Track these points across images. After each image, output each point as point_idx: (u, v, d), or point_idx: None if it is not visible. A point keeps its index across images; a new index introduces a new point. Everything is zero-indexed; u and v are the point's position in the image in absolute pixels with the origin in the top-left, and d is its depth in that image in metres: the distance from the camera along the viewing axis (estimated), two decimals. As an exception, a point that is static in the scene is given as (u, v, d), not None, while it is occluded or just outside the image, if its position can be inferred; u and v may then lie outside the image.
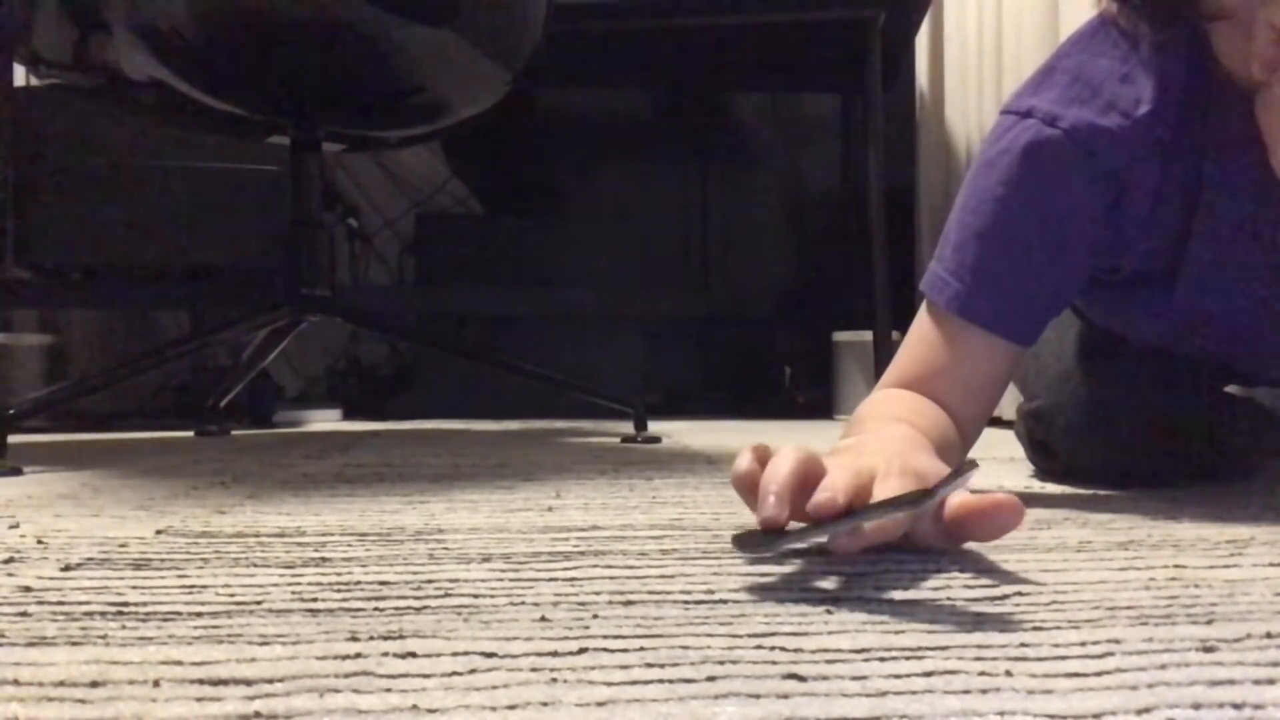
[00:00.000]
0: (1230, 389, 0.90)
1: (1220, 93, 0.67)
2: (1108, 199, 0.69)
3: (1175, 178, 0.69)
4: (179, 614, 0.40)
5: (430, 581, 0.46)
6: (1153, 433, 0.80)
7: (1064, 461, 0.85)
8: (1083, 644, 0.35)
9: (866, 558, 0.51)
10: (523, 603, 0.42)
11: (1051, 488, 0.83)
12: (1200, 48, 0.67)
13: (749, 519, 0.64)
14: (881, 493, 0.48)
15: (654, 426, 1.42)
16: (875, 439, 0.59)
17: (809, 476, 0.48)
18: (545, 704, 0.29)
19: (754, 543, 0.48)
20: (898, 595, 0.43)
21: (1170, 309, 0.75)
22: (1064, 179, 0.68)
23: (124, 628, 0.38)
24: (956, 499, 0.48)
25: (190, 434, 1.52)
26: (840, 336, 2.08)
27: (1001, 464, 1.01)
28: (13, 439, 1.01)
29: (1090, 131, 0.67)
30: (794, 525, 0.47)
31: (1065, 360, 0.85)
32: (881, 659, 0.33)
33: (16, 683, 0.31)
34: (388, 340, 2.22)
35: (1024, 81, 0.73)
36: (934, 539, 0.50)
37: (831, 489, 0.45)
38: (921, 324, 0.74)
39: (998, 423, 1.67)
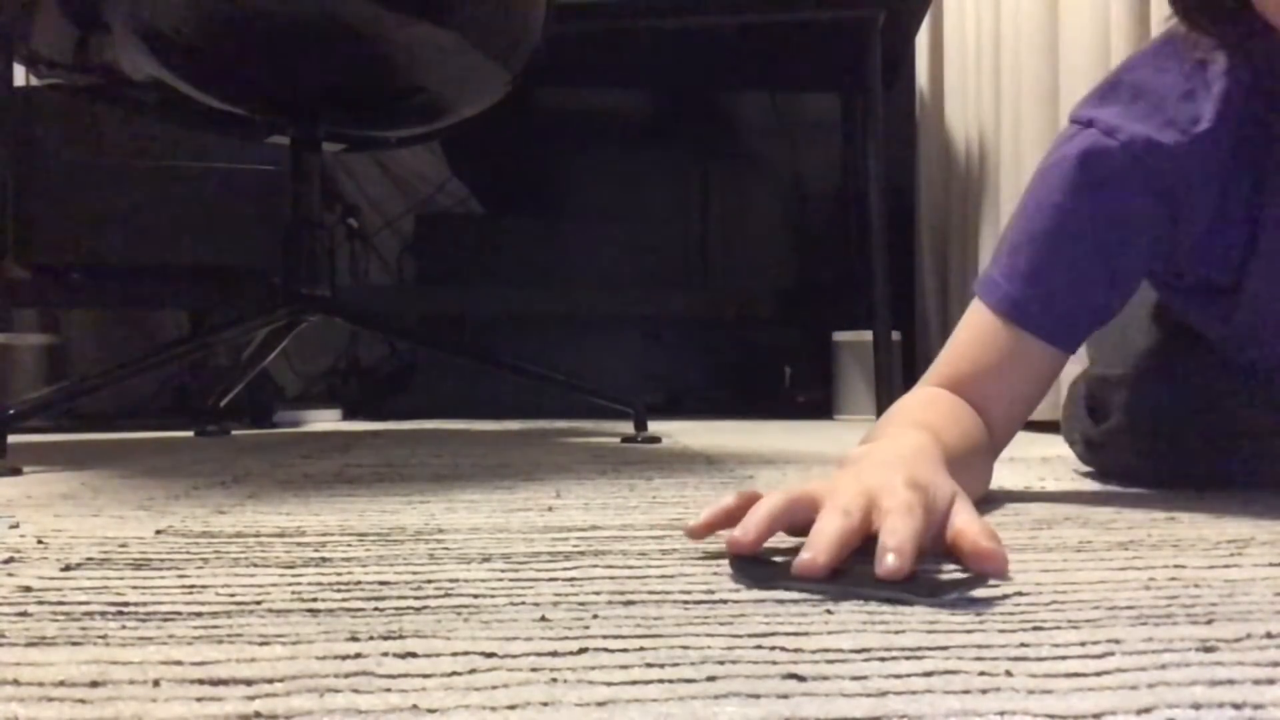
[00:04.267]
0: None
1: None
2: (1164, 213, 0.70)
3: (1238, 196, 0.69)
4: (179, 614, 0.40)
5: (430, 581, 0.46)
6: (1214, 445, 0.81)
7: (1115, 434, 0.85)
8: (1083, 644, 0.35)
9: (866, 557, 0.51)
10: (523, 603, 0.42)
11: (1052, 486, 0.83)
12: (1266, 66, 0.67)
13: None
14: (892, 521, 0.45)
15: (654, 426, 1.42)
16: (883, 451, 0.58)
17: (798, 514, 0.48)
18: (545, 704, 0.29)
19: (749, 571, 0.47)
20: (898, 595, 0.43)
21: (1232, 318, 0.75)
22: (1118, 189, 0.69)
23: (124, 628, 0.38)
24: (964, 524, 0.48)
25: (190, 434, 1.52)
26: (840, 336, 2.08)
27: (1001, 464, 1.01)
28: (13, 439, 1.01)
29: (1147, 146, 0.68)
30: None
31: (1151, 336, 0.85)
32: (881, 659, 0.33)
33: (16, 683, 0.31)
34: (388, 340, 2.22)
35: (1090, 90, 0.73)
36: (931, 548, 0.50)
37: (813, 549, 0.44)
38: (970, 322, 0.74)
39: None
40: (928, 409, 0.69)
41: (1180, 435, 0.81)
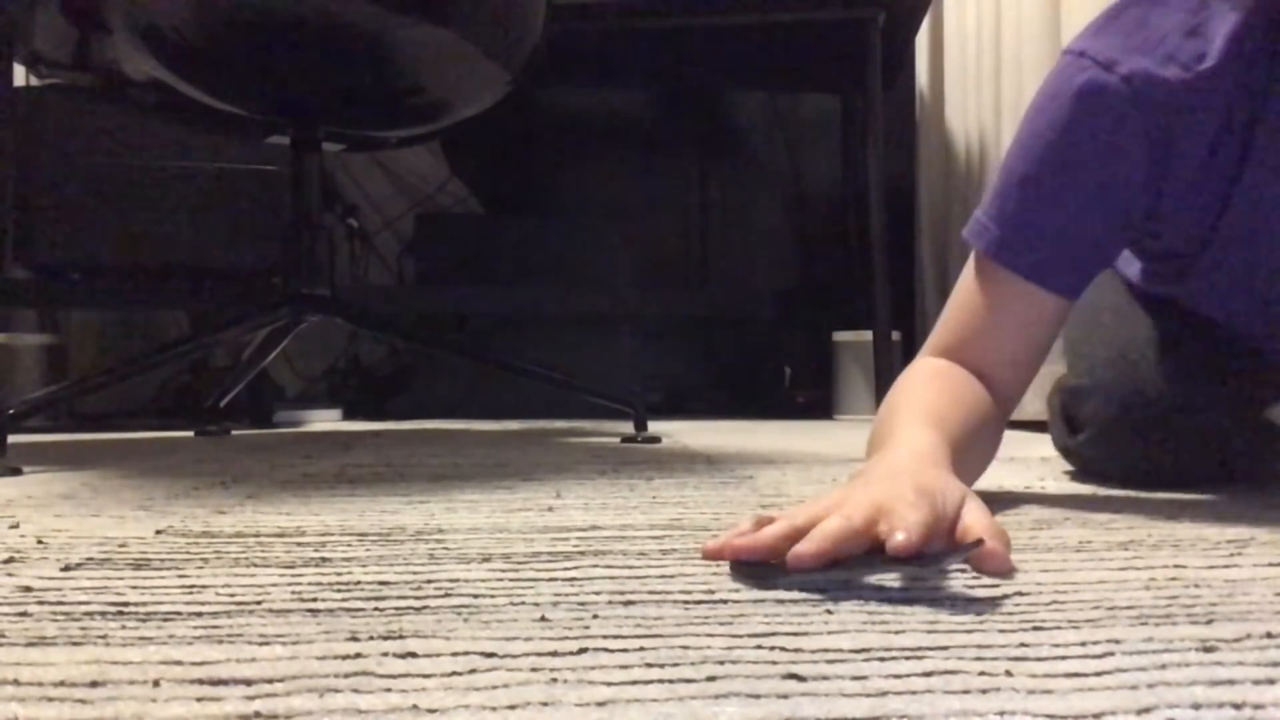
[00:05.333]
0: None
1: None
2: (1156, 155, 0.67)
3: (1229, 142, 0.67)
4: (179, 614, 0.40)
5: (430, 581, 0.46)
6: (1184, 446, 0.80)
7: (1088, 446, 0.85)
8: (1083, 644, 0.35)
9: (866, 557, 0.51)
10: (523, 603, 0.42)
11: (1051, 487, 0.83)
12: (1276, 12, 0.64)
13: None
14: (901, 513, 0.46)
15: (654, 426, 1.42)
16: (891, 460, 0.58)
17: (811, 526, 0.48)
18: (545, 704, 0.29)
19: (748, 571, 0.47)
20: (898, 595, 0.43)
21: (1200, 276, 0.74)
22: (1115, 126, 0.66)
23: (124, 628, 0.38)
24: (972, 520, 0.49)
25: (190, 434, 1.52)
26: (840, 336, 2.08)
27: (1001, 464, 1.01)
28: (13, 439, 1.01)
29: (1147, 81, 0.65)
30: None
31: (1119, 347, 0.84)
32: (881, 659, 0.33)
33: (16, 683, 0.31)
34: (388, 340, 2.22)
35: (1089, 23, 0.70)
36: (939, 551, 0.50)
37: (808, 540, 0.45)
38: (966, 278, 0.73)
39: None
40: (930, 391, 0.68)
41: (1142, 446, 0.81)
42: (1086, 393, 0.84)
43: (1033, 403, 1.58)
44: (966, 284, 0.73)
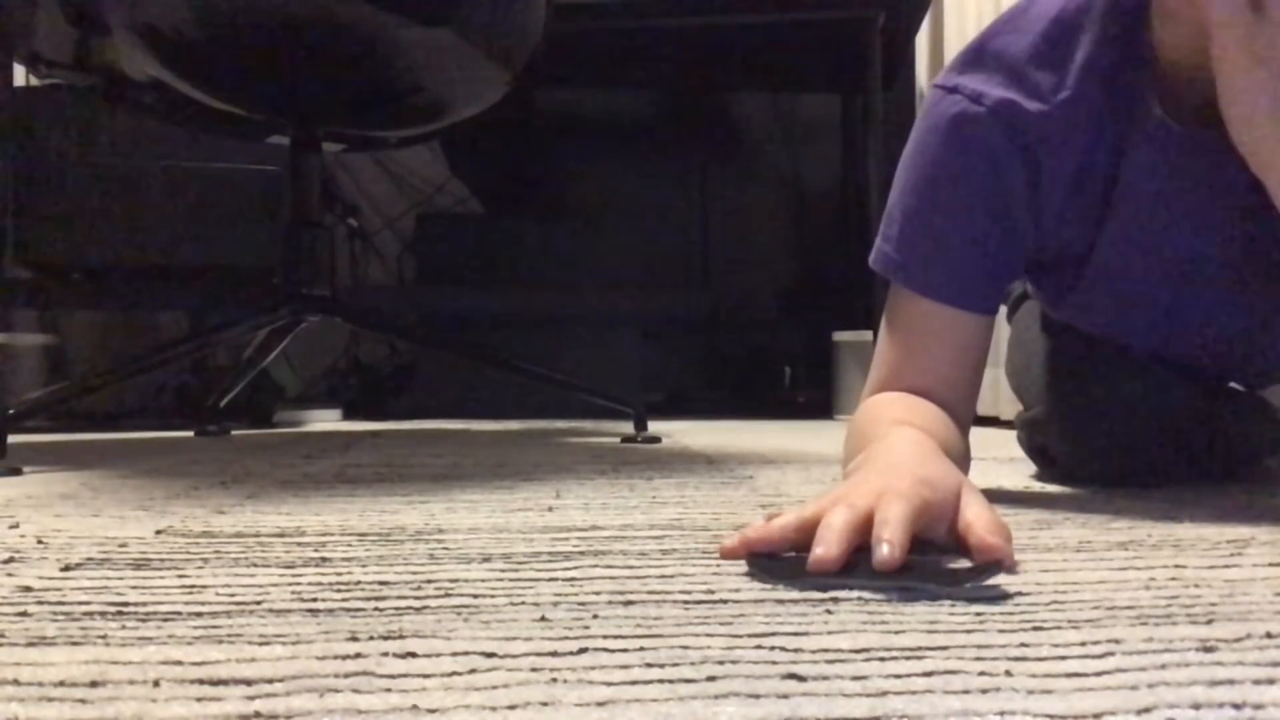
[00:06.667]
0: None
1: (1151, 72, 0.68)
2: (1030, 177, 0.71)
3: (1099, 162, 0.70)
4: (179, 614, 0.40)
5: (430, 581, 0.46)
6: (1145, 429, 0.80)
7: (1064, 466, 0.86)
8: (1083, 644, 0.35)
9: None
10: (523, 603, 0.42)
11: (1052, 488, 0.83)
12: (1135, 27, 0.68)
13: (747, 520, 0.64)
14: (883, 509, 0.46)
15: (654, 426, 1.42)
16: (883, 454, 0.58)
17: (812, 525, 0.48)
18: (545, 704, 0.29)
19: (766, 567, 0.47)
20: (898, 595, 0.43)
21: (1077, 288, 0.77)
22: (990, 150, 0.70)
23: (124, 628, 0.38)
24: (973, 516, 0.49)
25: (190, 434, 1.52)
26: (840, 336, 2.08)
27: (1001, 464, 1.01)
28: (13, 439, 1.01)
29: (1012, 109, 0.69)
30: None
31: (1046, 375, 0.86)
32: (881, 659, 0.33)
33: (16, 683, 0.31)
34: (388, 340, 2.22)
35: (957, 55, 0.74)
36: (941, 541, 0.51)
37: (824, 543, 0.45)
38: (887, 318, 0.75)
39: (996, 422, 1.67)
40: (893, 409, 0.69)
41: (1110, 463, 0.82)
42: (1045, 420, 0.86)
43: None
44: (888, 318, 0.75)
